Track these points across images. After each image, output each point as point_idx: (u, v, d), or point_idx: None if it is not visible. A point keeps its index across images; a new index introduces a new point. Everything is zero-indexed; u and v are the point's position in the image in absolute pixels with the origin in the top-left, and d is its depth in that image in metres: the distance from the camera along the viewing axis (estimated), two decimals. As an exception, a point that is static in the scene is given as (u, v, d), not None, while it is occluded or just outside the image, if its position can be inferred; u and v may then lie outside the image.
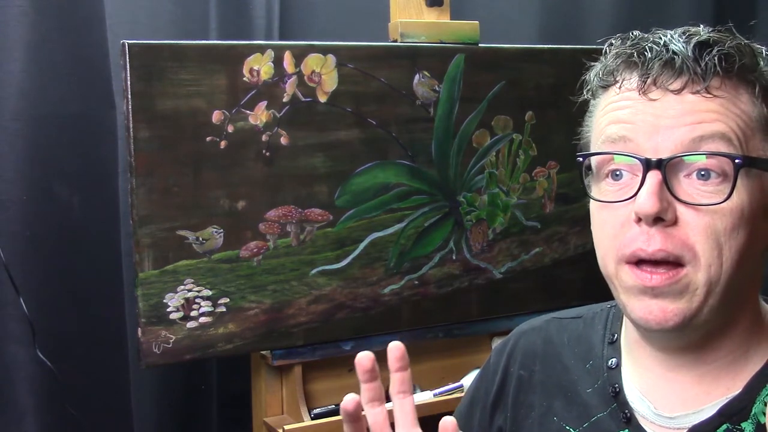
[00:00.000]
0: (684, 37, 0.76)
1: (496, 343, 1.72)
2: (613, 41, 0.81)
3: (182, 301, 1.44)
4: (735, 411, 0.78)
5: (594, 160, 0.79)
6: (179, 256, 1.44)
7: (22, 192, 1.64)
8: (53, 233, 1.68)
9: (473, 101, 1.66)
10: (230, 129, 1.46)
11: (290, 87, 1.50)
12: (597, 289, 0.88)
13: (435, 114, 1.63)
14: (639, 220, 0.74)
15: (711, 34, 0.76)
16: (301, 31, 1.89)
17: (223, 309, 1.48)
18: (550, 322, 0.96)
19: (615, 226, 0.76)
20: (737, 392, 0.79)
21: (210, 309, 1.47)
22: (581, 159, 0.80)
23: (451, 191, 1.66)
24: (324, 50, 1.53)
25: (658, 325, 0.74)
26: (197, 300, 1.46)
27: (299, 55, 1.50)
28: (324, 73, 1.53)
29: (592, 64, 0.83)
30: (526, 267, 1.74)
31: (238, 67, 1.46)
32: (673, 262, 0.73)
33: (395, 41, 1.62)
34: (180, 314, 1.44)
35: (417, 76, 1.61)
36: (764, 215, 0.76)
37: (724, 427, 0.78)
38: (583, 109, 0.85)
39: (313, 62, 1.52)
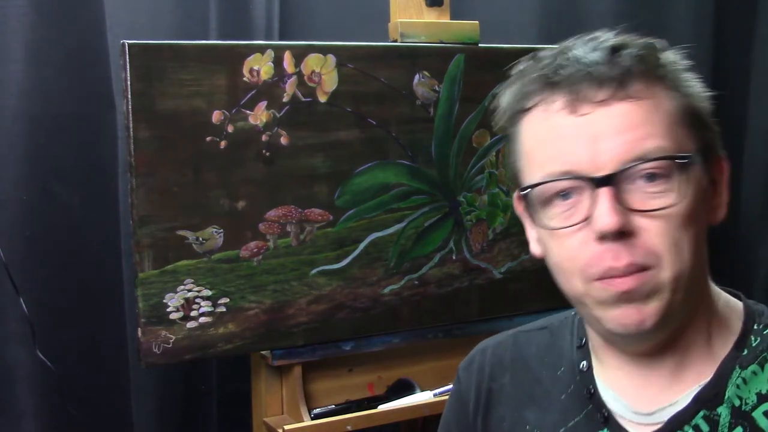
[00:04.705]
0: (592, 45, 0.77)
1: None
2: (521, 65, 0.82)
3: (182, 301, 1.44)
4: (709, 397, 0.79)
5: (535, 189, 0.78)
6: (179, 256, 1.44)
7: (22, 192, 1.64)
8: (53, 233, 1.68)
9: (473, 101, 1.66)
10: (230, 129, 1.46)
11: (290, 87, 1.50)
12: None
13: (435, 114, 1.63)
14: (602, 238, 0.74)
15: (618, 38, 0.77)
16: (301, 31, 1.89)
17: (223, 309, 1.48)
18: (516, 335, 0.97)
19: (573, 248, 0.77)
20: (708, 378, 0.79)
21: (210, 309, 1.47)
22: (524, 192, 0.79)
23: (451, 191, 1.66)
24: (324, 50, 1.52)
25: (637, 328, 0.75)
26: (197, 300, 1.46)
27: (299, 55, 1.50)
28: (324, 73, 1.53)
29: (496, 92, 0.84)
30: (526, 267, 1.74)
31: (238, 67, 1.46)
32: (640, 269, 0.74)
33: (395, 41, 1.62)
34: (180, 314, 1.44)
35: (417, 76, 1.61)
36: (701, 202, 0.77)
37: (702, 413, 0.78)
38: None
39: (313, 62, 1.52)
